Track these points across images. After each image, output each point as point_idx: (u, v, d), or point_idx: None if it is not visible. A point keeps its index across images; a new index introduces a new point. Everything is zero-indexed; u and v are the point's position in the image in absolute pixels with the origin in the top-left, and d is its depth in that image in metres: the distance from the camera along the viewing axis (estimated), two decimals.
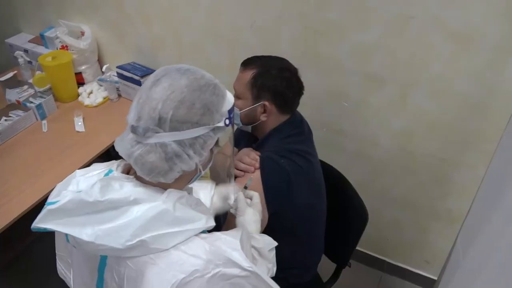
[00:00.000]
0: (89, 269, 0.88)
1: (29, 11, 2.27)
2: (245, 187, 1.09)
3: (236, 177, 1.19)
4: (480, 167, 1.58)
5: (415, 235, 1.96)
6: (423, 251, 2.00)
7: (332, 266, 1.60)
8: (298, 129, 1.30)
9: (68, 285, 1.01)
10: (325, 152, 1.64)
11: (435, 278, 2.04)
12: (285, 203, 1.19)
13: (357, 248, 1.58)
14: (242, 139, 1.38)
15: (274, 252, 1.04)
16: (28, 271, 2.15)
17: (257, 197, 1.08)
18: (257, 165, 1.16)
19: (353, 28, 1.50)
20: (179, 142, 0.78)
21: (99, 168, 0.87)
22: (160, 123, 0.77)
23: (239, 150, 1.30)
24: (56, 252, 1.01)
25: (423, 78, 1.49)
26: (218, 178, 1.37)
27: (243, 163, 1.17)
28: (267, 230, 1.20)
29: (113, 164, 0.89)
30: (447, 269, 1.29)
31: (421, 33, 1.41)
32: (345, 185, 1.54)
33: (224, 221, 1.17)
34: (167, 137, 0.77)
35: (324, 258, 1.55)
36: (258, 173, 1.16)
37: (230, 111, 0.85)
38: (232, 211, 1.07)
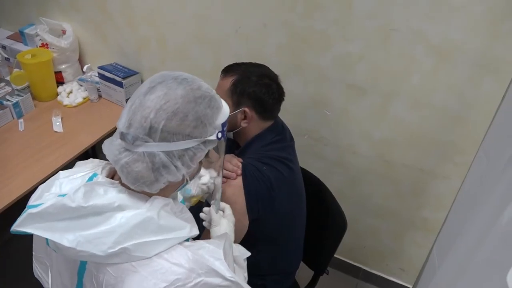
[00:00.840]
0: (69, 273, 0.87)
1: (9, 6, 2.22)
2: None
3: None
4: (456, 179, 1.62)
5: (391, 243, 1.99)
6: (399, 259, 2.03)
7: (310, 273, 1.61)
8: (280, 136, 1.31)
9: (44, 286, 0.98)
10: (305, 159, 1.66)
11: (410, 286, 2.08)
12: (266, 209, 1.20)
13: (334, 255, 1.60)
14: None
15: (246, 262, 1.03)
16: (2, 271, 2.09)
17: (229, 208, 1.08)
18: (239, 171, 1.16)
19: (337, 38, 1.52)
20: (168, 153, 0.77)
21: (83, 171, 0.85)
22: (151, 133, 0.75)
23: None
24: (33, 253, 0.98)
25: (403, 89, 1.53)
26: None
27: (225, 169, 1.17)
28: (247, 236, 1.20)
29: (97, 167, 0.87)
30: (422, 277, 1.32)
31: (402, 46, 1.44)
32: (324, 193, 1.55)
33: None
34: (156, 147, 0.76)
35: (302, 265, 1.56)
36: (240, 180, 1.16)
37: (224, 124, 0.84)
38: (205, 224, 1.07)
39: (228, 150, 1.33)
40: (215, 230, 1.03)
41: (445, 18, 1.34)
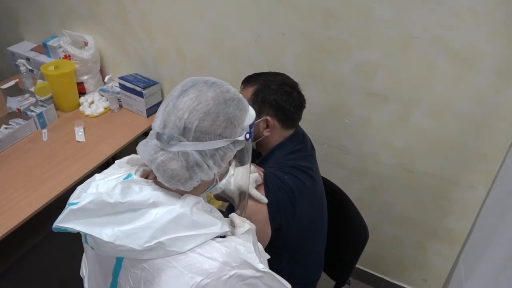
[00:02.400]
0: (103, 273, 0.89)
1: (33, 20, 2.28)
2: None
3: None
4: (480, 188, 1.58)
5: (414, 253, 1.95)
6: (421, 269, 1.99)
7: (331, 283, 1.59)
8: (301, 145, 1.30)
9: (84, 286, 1.02)
10: (325, 167, 1.65)
11: None
12: (288, 219, 1.19)
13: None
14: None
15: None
16: (23, 281, 2.12)
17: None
18: (261, 181, 1.15)
19: (356, 46, 1.51)
20: (201, 152, 0.81)
21: (117, 173, 0.89)
22: (185, 132, 0.79)
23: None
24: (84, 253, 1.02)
25: (424, 97, 1.51)
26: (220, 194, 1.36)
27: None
28: (268, 246, 1.19)
29: (131, 169, 0.91)
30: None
31: (423, 53, 1.43)
32: (345, 202, 1.53)
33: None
34: (190, 147, 0.80)
35: (323, 275, 1.54)
36: (262, 189, 1.15)
37: (251, 126, 0.88)
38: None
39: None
40: (239, 231, 1.04)
41: (467, 24, 1.32)
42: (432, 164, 1.64)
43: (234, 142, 0.84)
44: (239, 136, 0.84)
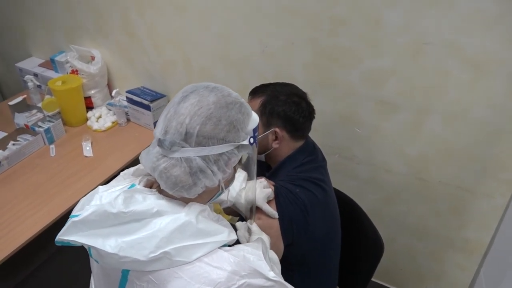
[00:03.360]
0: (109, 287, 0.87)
1: (40, 35, 2.29)
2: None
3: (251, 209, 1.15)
4: (500, 197, 1.53)
5: (430, 265, 1.90)
6: (439, 282, 1.93)
7: None
8: (312, 156, 1.27)
9: None
10: (337, 178, 1.61)
11: None
12: (301, 233, 1.15)
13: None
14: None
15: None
16: None
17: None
18: (272, 195, 1.12)
19: (366, 54, 1.48)
20: (204, 158, 0.79)
21: (121, 184, 0.87)
22: (187, 138, 0.78)
23: None
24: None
25: (438, 104, 1.47)
26: (229, 209, 1.33)
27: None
28: (281, 261, 1.15)
29: (135, 179, 0.90)
30: None
31: (436, 59, 1.39)
32: (358, 213, 1.49)
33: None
34: (193, 152, 0.78)
35: None
36: (273, 204, 1.12)
37: (255, 130, 0.86)
38: (240, 239, 1.04)
39: (259, 173, 1.30)
40: (252, 238, 1.02)
41: (481, 29, 1.28)
42: (448, 173, 1.59)
43: (238, 147, 0.83)
44: (243, 140, 0.83)
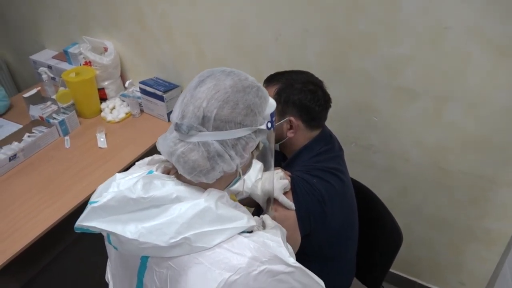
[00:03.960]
0: (128, 275, 0.87)
1: (53, 28, 2.29)
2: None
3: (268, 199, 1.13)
4: None
5: (449, 255, 1.86)
6: (458, 272, 1.89)
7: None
8: (328, 145, 1.24)
9: None
10: (353, 167, 1.57)
11: None
12: (318, 225, 1.13)
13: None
14: None
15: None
16: None
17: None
18: (289, 186, 1.10)
19: (384, 40, 1.44)
20: (222, 142, 0.78)
21: (138, 171, 0.86)
22: (204, 122, 0.77)
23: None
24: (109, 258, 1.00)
25: (459, 91, 1.42)
26: (245, 200, 1.31)
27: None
28: (297, 253, 1.13)
29: (152, 166, 0.89)
30: None
31: (457, 45, 1.34)
32: (376, 203, 1.47)
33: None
34: (210, 136, 0.77)
35: (355, 281, 1.47)
36: (289, 195, 1.10)
37: (272, 114, 0.85)
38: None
39: (275, 163, 1.27)
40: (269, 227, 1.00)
41: (504, 12, 1.22)
42: (468, 161, 1.55)
43: (256, 132, 0.82)
44: (261, 124, 0.82)
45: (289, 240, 1.03)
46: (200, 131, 0.77)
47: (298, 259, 1.01)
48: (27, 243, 1.42)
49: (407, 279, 2.06)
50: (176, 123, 0.79)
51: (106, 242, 0.93)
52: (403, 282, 2.07)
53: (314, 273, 1.00)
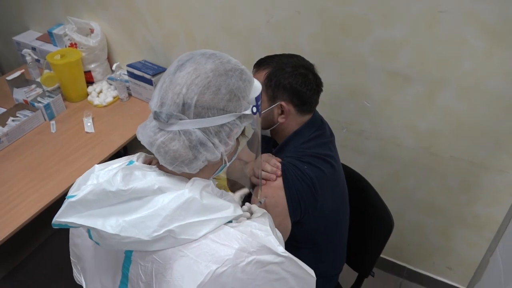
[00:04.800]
0: (111, 271, 0.83)
1: (37, 8, 2.21)
2: (260, 202, 1.02)
3: (256, 185, 1.11)
4: None
5: (438, 241, 1.87)
6: (446, 257, 1.91)
7: (354, 275, 1.52)
8: (320, 131, 1.22)
9: None
10: (344, 153, 1.56)
11: (458, 285, 1.96)
12: (309, 211, 1.11)
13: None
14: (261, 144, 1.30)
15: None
16: (34, 276, 2.10)
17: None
18: (279, 172, 1.08)
19: (378, 23, 1.41)
20: (204, 130, 0.75)
21: (118, 162, 0.82)
22: (184, 109, 0.73)
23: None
24: (71, 258, 0.96)
25: (452, 76, 1.40)
26: (234, 186, 1.29)
27: (264, 170, 1.09)
28: (288, 239, 1.12)
29: (132, 156, 0.85)
30: (483, 281, 1.21)
31: (451, 29, 1.32)
32: (367, 189, 1.45)
33: None
34: (191, 124, 0.74)
35: (345, 267, 1.47)
36: (280, 181, 1.08)
37: (258, 98, 0.81)
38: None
39: (265, 149, 1.25)
40: (255, 215, 0.97)
41: None
42: (460, 147, 1.54)
43: (240, 117, 0.78)
44: (245, 109, 0.78)
45: (279, 226, 1.01)
46: (180, 119, 0.73)
47: (288, 245, 1.00)
48: (13, 230, 1.39)
49: (396, 264, 2.07)
50: (155, 112, 0.74)
51: (77, 241, 0.89)
52: (392, 267, 2.08)
53: (305, 259, 0.99)
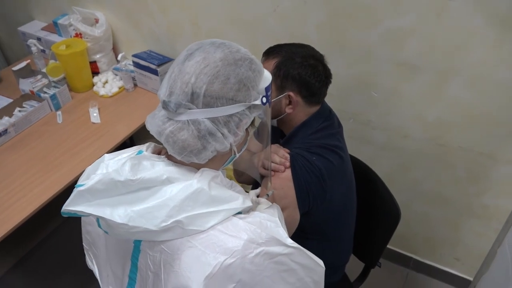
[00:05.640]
0: (121, 259, 0.84)
1: None
2: (267, 194, 1.01)
3: (264, 177, 1.10)
4: None
5: (445, 231, 1.86)
6: (454, 248, 1.90)
7: (360, 265, 1.52)
8: (328, 122, 1.21)
9: (96, 276, 0.96)
10: (351, 144, 1.54)
11: (466, 277, 1.95)
12: (317, 202, 1.11)
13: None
14: None
15: None
16: (41, 266, 2.12)
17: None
18: (288, 163, 1.07)
19: (386, 12, 1.39)
20: (213, 120, 0.74)
21: (128, 151, 0.82)
22: (193, 99, 0.72)
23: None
24: (83, 244, 0.97)
25: (461, 65, 1.38)
26: (242, 176, 1.29)
27: (272, 162, 1.08)
28: (296, 229, 1.12)
29: (142, 146, 0.85)
30: (490, 272, 1.20)
31: (461, 17, 1.30)
32: (374, 180, 1.44)
33: None
34: (200, 114, 0.73)
35: (352, 257, 1.46)
36: (288, 172, 1.07)
37: (267, 88, 0.80)
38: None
39: (273, 139, 1.24)
40: (262, 207, 0.97)
41: None
42: (469, 138, 1.52)
43: (250, 107, 0.77)
44: (255, 100, 0.77)
45: (287, 218, 1.01)
46: (189, 109, 0.73)
47: (296, 236, 1.00)
48: (20, 220, 1.39)
49: (403, 254, 2.07)
50: (164, 101, 0.74)
51: (88, 228, 0.90)
52: (399, 258, 2.08)
53: (312, 250, 0.98)
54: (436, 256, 1.99)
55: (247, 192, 0.99)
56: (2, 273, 2.07)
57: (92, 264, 0.96)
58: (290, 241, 0.75)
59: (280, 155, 1.08)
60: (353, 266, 1.51)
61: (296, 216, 1.09)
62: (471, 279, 1.90)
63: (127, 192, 0.72)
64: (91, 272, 0.97)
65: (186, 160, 0.76)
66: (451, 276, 1.99)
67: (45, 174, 1.57)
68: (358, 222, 1.38)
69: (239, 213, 0.78)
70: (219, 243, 0.71)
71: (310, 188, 1.08)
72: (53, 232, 2.19)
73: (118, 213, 0.70)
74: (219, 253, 0.70)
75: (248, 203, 0.79)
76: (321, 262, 0.80)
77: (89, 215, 0.72)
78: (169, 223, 0.70)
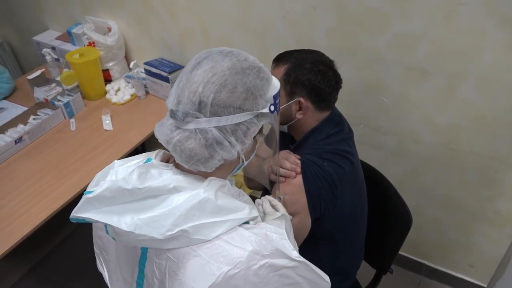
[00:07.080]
0: (130, 265, 0.85)
1: (56, 7, 2.25)
2: (279, 198, 1.02)
3: (274, 183, 1.11)
4: None
5: (458, 237, 1.84)
6: (467, 254, 1.88)
7: (372, 272, 1.51)
8: (338, 127, 1.21)
9: (106, 280, 0.97)
10: (362, 149, 1.54)
11: (480, 283, 1.92)
12: (329, 208, 1.11)
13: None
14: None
15: None
16: (54, 273, 2.14)
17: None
18: (299, 169, 1.07)
19: (395, 17, 1.39)
20: (220, 128, 0.74)
21: (137, 158, 0.83)
22: (201, 108, 0.73)
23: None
24: (94, 248, 0.98)
25: (472, 69, 1.38)
26: (252, 182, 1.29)
27: (283, 168, 1.09)
28: (308, 235, 1.12)
29: (151, 153, 0.86)
30: (506, 276, 1.18)
31: (471, 21, 1.29)
32: (385, 185, 1.44)
33: None
34: (208, 123, 0.73)
35: (363, 263, 1.46)
36: (300, 178, 1.07)
37: (276, 96, 0.80)
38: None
39: (283, 145, 1.25)
40: (269, 218, 0.96)
41: None
42: (481, 142, 1.51)
43: (258, 116, 0.77)
44: (263, 108, 0.77)
45: (298, 224, 1.01)
46: (196, 118, 0.73)
47: (307, 241, 0.99)
48: (34, 226, 1.42)
49: (415, 261, 2.05)
50: (171, 110, 0.74)
51: (100, 233, 0.91)
52: (411, 264, 2.06)
53: (323, 255, 0.99)
54: (449, 262, 1.97)
55: (259, 198, 1.00)
56: (16, 279, 2.10)
57: (102, 268, 0.97)
58: (295, 254, 0.74)
59: (291, 161, 1.09)
60: (365, 273, 1.50)
61: (308, 222, 1.09)
62: (485, 286, 1.88)
63: (134, 200, 0.73)
64: (103, 279, 0.98)
65: (193, 168, 0.77)
66: (464, 283, 1.96)
67: (59, 180, 1.60)
68: (369, 227, 1.38)
69: (247, 222, 0.78)
70: (223, 253, 0.71)
71: (321, 193, 1.08)
72: (66, 239, 2.21)
73: (125, 221, 0.71)
74: (223, 263, 0.70)
75: (255, 213, 0.79)
76: (327, 278, 0.79)
77: (96, 221, 0.73)
78: (174, 232, 0.70)
